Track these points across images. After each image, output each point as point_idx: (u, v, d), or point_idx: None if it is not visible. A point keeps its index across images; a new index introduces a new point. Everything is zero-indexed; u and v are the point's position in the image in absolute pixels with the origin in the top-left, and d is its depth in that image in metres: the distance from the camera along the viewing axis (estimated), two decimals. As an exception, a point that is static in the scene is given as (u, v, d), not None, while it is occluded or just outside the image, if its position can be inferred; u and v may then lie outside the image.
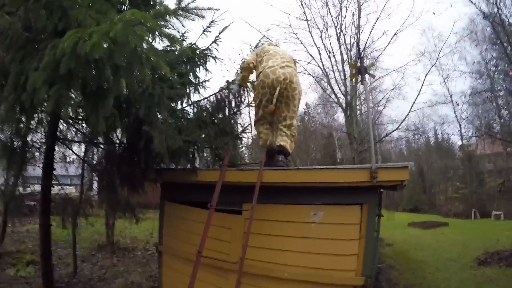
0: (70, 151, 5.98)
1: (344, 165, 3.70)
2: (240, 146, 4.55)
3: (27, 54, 2.40)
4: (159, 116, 3.32)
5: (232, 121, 4.49)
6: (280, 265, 3.26)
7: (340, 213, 3.19)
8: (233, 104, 4.43)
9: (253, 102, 4.10)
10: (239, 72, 4.43)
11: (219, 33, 4.39)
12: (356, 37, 12.94)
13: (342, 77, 13.56)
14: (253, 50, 4.54)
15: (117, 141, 4.56)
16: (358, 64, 3.53)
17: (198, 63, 4.20)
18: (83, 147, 6.24)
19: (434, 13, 13.33)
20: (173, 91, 3.25)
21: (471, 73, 15.40)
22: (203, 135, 3.89)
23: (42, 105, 2.28)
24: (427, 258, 8.82)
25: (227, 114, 4.42)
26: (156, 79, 3.19)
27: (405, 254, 9.50)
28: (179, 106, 4.10)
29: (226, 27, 4.36)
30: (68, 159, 6.13)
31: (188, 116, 4.13)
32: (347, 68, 12.90)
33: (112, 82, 2.34)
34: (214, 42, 4.38)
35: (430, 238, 12.05)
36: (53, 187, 5.15)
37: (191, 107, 4.18)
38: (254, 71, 4.05)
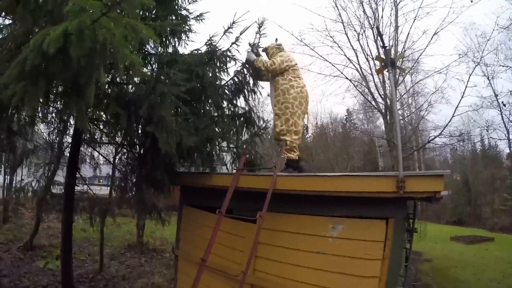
0: (98, 153, 6.16)
1: (367, 172, 3.28)
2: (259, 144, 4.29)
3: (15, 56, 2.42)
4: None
5: (252, 113, 4.31)
6: (292, 281, 2.98)
7: (361, 228, 2.83)
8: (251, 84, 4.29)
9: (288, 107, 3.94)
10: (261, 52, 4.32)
11: (240, 34, 4.27)
12: (394, 37, 12.27)
13: (381, 80, 12.88)
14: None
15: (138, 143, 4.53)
16: (384, 56, 3.12)
17: (218, 64, 4.07)
18: (110, 148, 6.44)
19: (472, 1, 12.09)
20: (176, 88, 3.10)
21: None
22: (219, 130, 3.72)
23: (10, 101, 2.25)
24: (468, 277, 8.09)
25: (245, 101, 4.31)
26: (160, 77, 3.10)
27: (445, 272, 8.79)
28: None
29: (247, 28, 4.25)
30: (96, 161, 6.31)
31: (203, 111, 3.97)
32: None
33: (84, 77, 2.25)
34: (234, 43, 4.25)
35: (473, 255, 11.12)
36: (77, 186, 5.28)
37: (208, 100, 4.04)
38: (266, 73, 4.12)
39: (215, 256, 3.41)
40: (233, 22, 4.35)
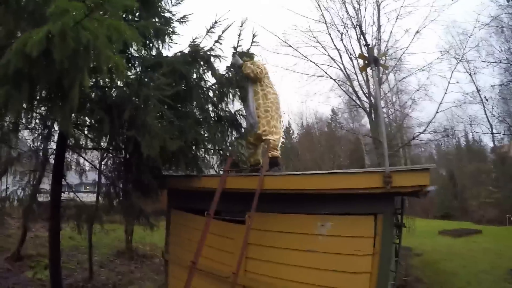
0: (83, 159, 6.05)
1: (353, 169, 3.30)
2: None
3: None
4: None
5: (237, 116, 4.33)
6: (283, 280, 2.97)
7: (350, 225, 2.85)
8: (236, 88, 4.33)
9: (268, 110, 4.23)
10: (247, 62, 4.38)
11: (222, 32, 4.27)
12: (377, 36, 12.43)
13: (365, 79, 13.02)
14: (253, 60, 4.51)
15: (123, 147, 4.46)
16: (367, 54, 3.17)
17: (202, 63, 4.06)
18: (96, 154, 6.33)
19: (452, -1, 12.38)
20: (160, 92, 3.06)
21: (497, 63, 14.22)
22: (205, 134, 3.71)
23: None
24: (457, 269, 8.21)
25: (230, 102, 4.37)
26: (143, 80, 3.06)
27: (435, 265, 8.90)
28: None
29: (228, 26, 4.28)
30: (82, 167, 6.19)
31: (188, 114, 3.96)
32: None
33: (68, 80, 2.21)
34: (217, 41, 4.25)
35: (461, 247, 11.30)
36: (63, 193, 5.16)
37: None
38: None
39: (206, 258, 3.38)
40: (215, 22, 4.34)
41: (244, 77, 4.28)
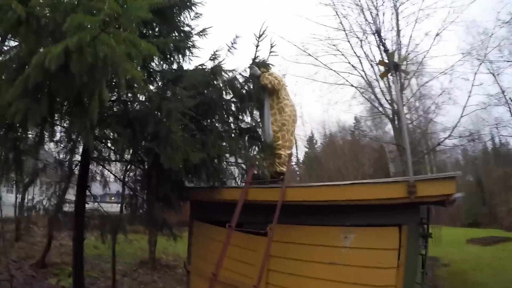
0: (107, 170, 6.21)
1: (376, 179, 3.23)
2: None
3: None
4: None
5: (257, 128, 4.33)
6: (306, 293, 2.93)
7: (374, 236, 2.79)
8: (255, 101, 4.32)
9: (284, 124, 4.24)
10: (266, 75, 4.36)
11: (232, 43, 4.35)
12: (397, 41, 12.22)
13: (387, 85, 12.78)
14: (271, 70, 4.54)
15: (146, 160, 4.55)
16: (387, 60, 3.11)
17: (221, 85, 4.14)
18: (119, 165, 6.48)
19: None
20: (182, 104, 3.11)
21: None
22: (226, 146, 3.74)
23: (13, 119, 2.29)
24: (487, 279, 7.90)
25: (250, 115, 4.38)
26: (165, 94, 3.13)
27: (463, 276, 8.58)
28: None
29: (237, 38, 4.35)
30: (106, 178, 6.36)
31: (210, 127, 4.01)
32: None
33: (86, 93, 2.28)
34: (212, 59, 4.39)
35: (490, 256, 10.87)
36: (87, 203, 5.30)
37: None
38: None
39: (227, 270, 3.38)
40: (236, 37, 4.42)
41: (261, 88, 4.27)
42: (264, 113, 4.24)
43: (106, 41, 2.08)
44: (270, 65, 4.60)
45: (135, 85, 2.72)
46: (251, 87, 4.29)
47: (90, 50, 2.07)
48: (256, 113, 4.44)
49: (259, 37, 4.40)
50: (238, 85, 4.23)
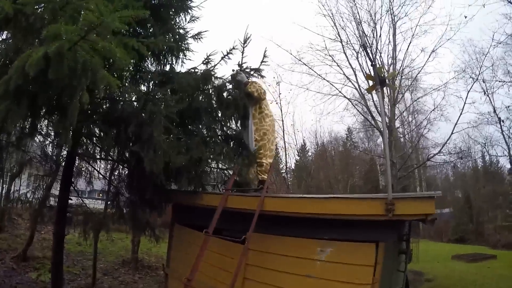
0: (93, 168, 6.16)
1: (355, 195, 3.25)
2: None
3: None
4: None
5: (243, 135, 4.32)
6: (279, 305, 2.92)
7: (350, 251, 2.79)
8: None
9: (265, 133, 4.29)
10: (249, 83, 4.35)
11: (228, 52, 4.33)
12: (393, 55, 12.35)
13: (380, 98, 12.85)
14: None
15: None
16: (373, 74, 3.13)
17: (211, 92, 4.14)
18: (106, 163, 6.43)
19: (465, 17, 12.18)
20: (167, 108, 3.11)
21: None
22: (210, 152, 3.72)
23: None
24: (469, 297, 7.91)
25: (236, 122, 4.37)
26: (149, 96, 3.13)
27: (445, 292, 8.60)
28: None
29: (233, 49, 4.34)
30: (91, 175, 6.30)
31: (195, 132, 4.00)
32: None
33: (66, 97, 2.29)
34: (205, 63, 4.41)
35: (475, 273, 10.89)
36: (71, 199, 5.25)
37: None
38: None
39: (205, 276, 3.36)
40: (233, 48, 4.41)
41: (246, 95, 4.25)
42: (249, 122, 4.25)
43: (85, 48, 2.10)
44: (261, 73, 4.59)
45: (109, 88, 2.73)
46: (238, 94, 4.27)
47: (70, 56, 2.09)
48: (241, 120, 4.43)
49: (244, 43, 4.39)
50: (226, 92, 4.21)
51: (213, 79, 4.07)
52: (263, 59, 4.56)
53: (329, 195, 3.00)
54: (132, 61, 3.14)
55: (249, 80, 4.32)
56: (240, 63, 4.48)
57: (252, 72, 4.38)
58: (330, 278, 2.77)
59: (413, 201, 2.64)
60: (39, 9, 2.67)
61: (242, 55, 4.47)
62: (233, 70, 4.44)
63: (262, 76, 4.51)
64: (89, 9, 2.21)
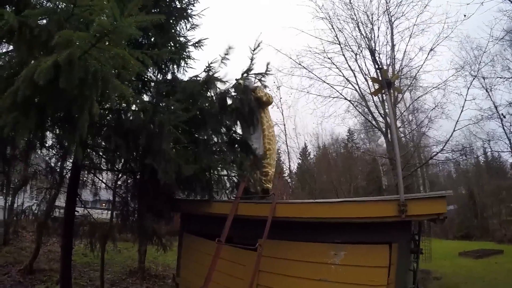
0: (98, 179, 6.15)
1: (367, 197, 3.24)
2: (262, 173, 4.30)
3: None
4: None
5: (253, 140, 4.30)
6: (295, 310, 2.90)
7: (364, 254, 2.78)
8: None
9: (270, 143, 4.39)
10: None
11: (225, 54, 4.31)
12: (391, 56, 12.36)
13: (380, 99, 12.86)
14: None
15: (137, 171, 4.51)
16: (380, 77, 3.16)
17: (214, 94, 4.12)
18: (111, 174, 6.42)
19: (464, 15, 12.20)
20: (175, 117, 3.10)
21: None
22: (218, 160, 3.72)
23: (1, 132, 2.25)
24: (478, 293, 7.86)
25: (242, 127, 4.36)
26: (158, 107, 3.11)
27: (454, 290, 8.54)
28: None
29: (230, 49, 4.28)
30: (97, 186, 6.29)
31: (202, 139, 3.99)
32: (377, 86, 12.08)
33: (76, 108, 2.26)
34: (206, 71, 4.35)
35: (482, 270, 10.83)
36: (77, 212, 5.24)
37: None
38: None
39: (216, 284, 3.33)
40: (229, 49, 4.35)
41: (256, 100, 4.25)
42: (259, 129, 4.27)
43: (96, 56, 2.07)
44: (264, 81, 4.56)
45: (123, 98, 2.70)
46: (243, 99, 4.25)
47: (80, 65, 2.05)
48: (247, 125, 4.41)
49: (253, 50, 4.36)
50: (230, 98, 4.21)
51: (216, 82, 4.05)
52: (266, 70, 4.48)
53: (342, 199, 3.00)
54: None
55: (256, 86, 4.32)
56: (248, 69, 4.41)
57: (258, 78, 4.35)
58: (345, 281, 2.77)
59: (425, 201, 2.65)
60: (44, 21, 2.67)
61: (251, 61, 4.39)
62: (236, 80, 4.40)
63: (265, 86, 4.48)
64: (101, 13, 2.17)
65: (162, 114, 3.08)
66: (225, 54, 4.23)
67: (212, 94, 4.03)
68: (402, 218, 2.59)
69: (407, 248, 2.83)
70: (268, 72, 4.43)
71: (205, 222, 3.93)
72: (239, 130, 4.44)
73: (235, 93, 4.15)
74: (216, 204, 3.72)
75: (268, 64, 4.52)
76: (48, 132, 3.78)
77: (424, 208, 2.61)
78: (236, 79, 4.35)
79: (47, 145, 5.04)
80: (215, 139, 4.07)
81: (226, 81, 4.31)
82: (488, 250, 14.71)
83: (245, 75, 4.31)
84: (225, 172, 4.06)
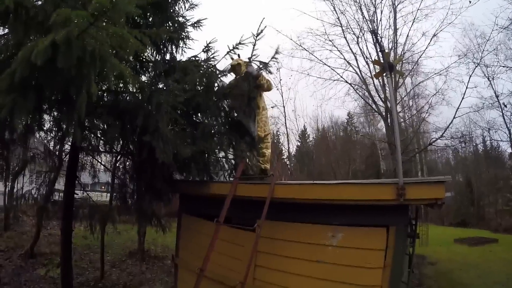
0: (97, 161, 6.15)
1: (366, 180, 3.23)
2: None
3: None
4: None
5: (250, 123, 4.27)
6: (292, 290, 2.93)
7: (361, 236, 2.79)
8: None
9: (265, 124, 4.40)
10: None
11: (234, 47, 4.26)
12: (393, 40, 12.21)
13: (381, 83, 12.79)
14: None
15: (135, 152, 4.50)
16: (382, 60, 3.10)
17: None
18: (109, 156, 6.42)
19: (470, 1, 12.03)
20: (173, 98, 3.07)
21: None
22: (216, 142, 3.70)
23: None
24: (472, 280, 8.00)
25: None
26: (156, 86, 3.08)
27: (448, 275, 8.69)
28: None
29: (238, 44, 4.23)
30: (95, 168, 6.30)
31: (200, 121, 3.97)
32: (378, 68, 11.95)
33: (74, 88, 2.23)
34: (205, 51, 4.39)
35: (477, 257, 11.00)
36: (77, 194, 5.25)
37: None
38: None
39: (215, 264, 3.36)
40: (239, 43, 4.27)
41: (257, 86, 4.18)
42: (252, 110, 4.22)
43: (94, 35, 2.03)
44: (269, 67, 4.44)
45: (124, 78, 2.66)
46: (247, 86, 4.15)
47: (78, 44, 2.01)
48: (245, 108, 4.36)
49: (256, 36, 4.19)
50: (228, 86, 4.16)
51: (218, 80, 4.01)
52: (273, 56, 4.25)
53: (341, 181, 2.99)
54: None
55: (260, 72, 4.19)
56: (251, 55, 4.24)
57: (261, 66, 4.20)
58: (342, 263, 2.79)
59: (424, 186, 2.64)
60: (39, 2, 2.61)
61: (254, 47, 4.19)
62: (232, 59, 4.33)
63: (270, 72, 4.28)
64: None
65: (160, 95, 3.04)
66: (234, 47, 4.14)
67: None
68: (400, 201, 2.59)
69: (404, 232, 2.84)
70: (275, 59, 4.24)
71: (204, 203, 3.93)
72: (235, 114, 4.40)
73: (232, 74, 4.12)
74: (214, 184, 3.72)
75: (277, 49, 4.32)
76: (46, 115, 3.76)
77: (423, 192, 2.60)
78: (231, 58, 4.31)
79: (45, 128, 5.02)
80: (214, 122, 4.04)
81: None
82: (483, 238, 14.91)
83: (245, 60, 4.24)
84: (223, 154, 4.05)
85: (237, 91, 4.02)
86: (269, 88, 4.35)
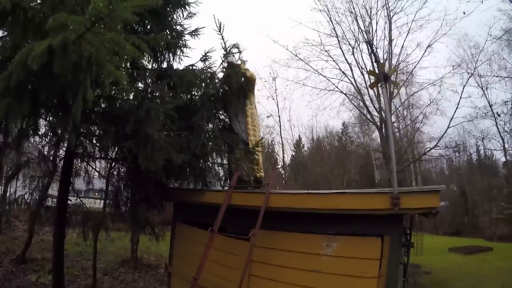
0: (91, 167, 6.10)
1: (361, 189, 3.25)
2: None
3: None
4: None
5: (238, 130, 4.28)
6: (286, 300, 2.91)
7: (356, 246, 2.80)
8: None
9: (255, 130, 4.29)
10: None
11: (206, 53, 4.35)
12: (388, 50, 12.35)
13: (376, 93, 12.90)
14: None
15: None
16: (377, 70, 3.14)
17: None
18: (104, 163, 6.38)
19: (464, 12, 12.26)
20: (164, 104, 3.06)
21: (510, 77, 13.94)
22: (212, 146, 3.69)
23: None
24: (467, 289, 8.00)
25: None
26: (146, 93, 3.08)
27: (443, 284, 8.70)
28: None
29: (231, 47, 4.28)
30: (90, 174, 6.25)
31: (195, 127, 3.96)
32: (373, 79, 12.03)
33: (70, 93, 2.22)
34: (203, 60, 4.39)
35: (471, 266, 11.01)
36: (70, 200, 5.21)
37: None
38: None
39: (209, 273, 3.34)
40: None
41: (244, 81, 4.20)
42: (246, 113, 4.22)
43: (91, 40, 2.02)
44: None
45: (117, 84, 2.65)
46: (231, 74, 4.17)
47: (74, 49, 2.00)
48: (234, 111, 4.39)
49: (219, 29, 4.36)
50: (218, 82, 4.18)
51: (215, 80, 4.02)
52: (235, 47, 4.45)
53: (336, 191, 3.00)
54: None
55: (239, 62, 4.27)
56: (224, 47, 4.40)
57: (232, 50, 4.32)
58: (337, 273, 2.78)
59: (418, 195, 2.67)
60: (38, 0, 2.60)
61: (223, 39, 4.41)
62: (226, 62, 4.36)
63: (244, 62, 4.42)
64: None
65: (151, 101, 3.03)
66: (227, 53, 4.17)
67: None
68: (395, 211, 2.60)
69: (399, 241, 2.84)
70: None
71: (198, 212, 3.91)
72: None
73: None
74: (209, 193, 3.71)
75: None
76: (41, 120, 3.74)
77: (417, 201, 2.61)
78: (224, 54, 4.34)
79: (40, 132, 4.99)
80: (209, 126, 4.03)
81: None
82: (478, 247, 14.94)
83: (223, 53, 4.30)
84: (218, 160, 4.03)
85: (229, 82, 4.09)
86: (252, 77, 4.24)
